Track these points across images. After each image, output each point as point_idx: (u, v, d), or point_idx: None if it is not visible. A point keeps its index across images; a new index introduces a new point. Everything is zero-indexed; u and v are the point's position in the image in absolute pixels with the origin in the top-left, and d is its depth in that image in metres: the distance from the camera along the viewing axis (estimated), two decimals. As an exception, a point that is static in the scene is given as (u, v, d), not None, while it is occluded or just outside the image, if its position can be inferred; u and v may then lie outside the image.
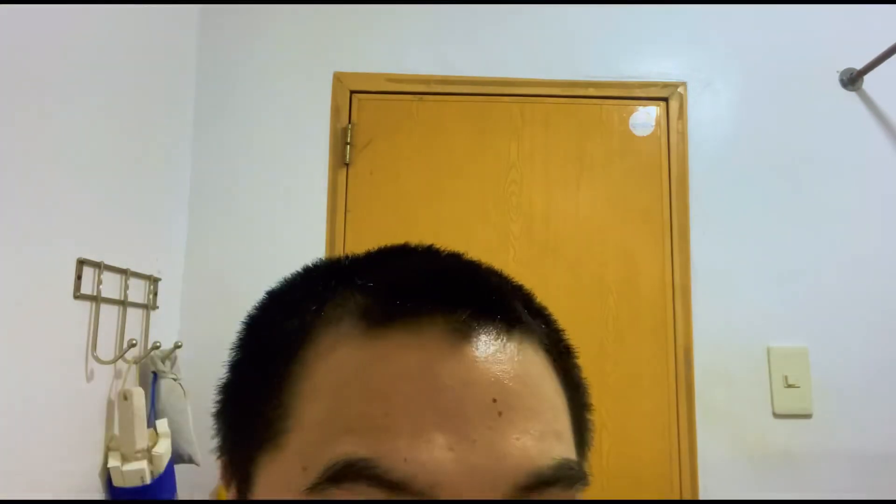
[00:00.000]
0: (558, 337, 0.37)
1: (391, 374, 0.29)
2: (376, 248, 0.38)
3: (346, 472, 0.27)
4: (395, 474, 0.27)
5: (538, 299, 0.38)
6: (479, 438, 0.28)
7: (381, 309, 0.31)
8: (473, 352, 0.30)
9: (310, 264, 0.38)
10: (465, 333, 0.30)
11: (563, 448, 0.31)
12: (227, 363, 0.36)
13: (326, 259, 0.38)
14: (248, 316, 0.37)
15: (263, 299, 0.38)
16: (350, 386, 0.29)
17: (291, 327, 0.33)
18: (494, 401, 0.29)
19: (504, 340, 0.32)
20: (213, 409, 0.36)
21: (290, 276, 0.38)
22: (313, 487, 0.28)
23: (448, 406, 0.28)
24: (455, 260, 0.38)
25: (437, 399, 0.29)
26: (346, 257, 0.38)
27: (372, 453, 0.27)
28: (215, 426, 0.35)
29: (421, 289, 0.32)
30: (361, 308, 0.32)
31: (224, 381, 0.36)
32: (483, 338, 0.31)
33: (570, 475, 0.30)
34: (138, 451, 1.24)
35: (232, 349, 0.36)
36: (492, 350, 0.31)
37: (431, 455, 0.27)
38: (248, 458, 0.32)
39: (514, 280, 0.38)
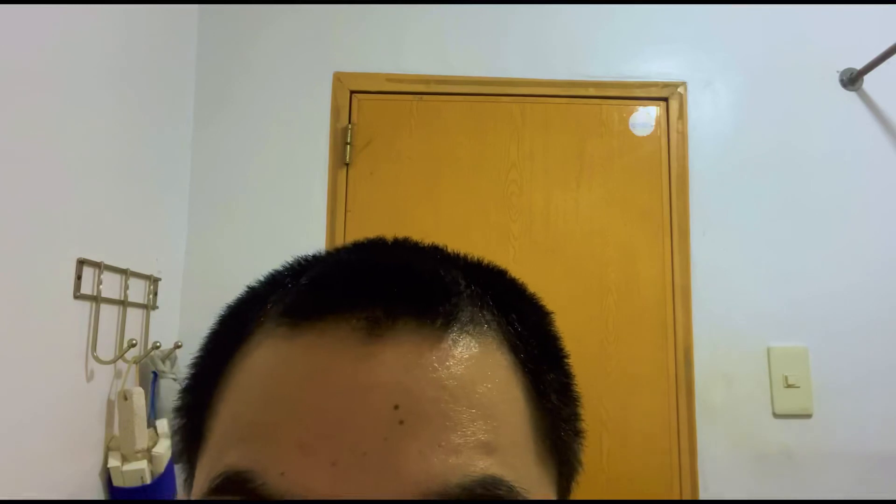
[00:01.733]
0: (539, 337, 0.32)
1: (293, 378, 0.27)
2: (351, 241, 0.36)
3: (227, 485, 0.26)
4: (269, 489, 0.25)
5: (531, 293, 0.35)
6: (371, 451, 0.25)
7: (296, 307, 0.29)
8: (380, 352, 0.27)
9: (287, 260, 0.36)
10: (374, 332, 0.27)
11: (490, 463, 0.26)
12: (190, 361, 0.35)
13: (301, 255, 0.36)
14: (219, 313, 0.36)
15: (238, 296, 0.36)
16: (254, 390, 0.28)
17: (238, 324, 0.32)
18: (396, 407, 0.25)
19: (427, 338, 0.27)
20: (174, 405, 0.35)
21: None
22: (203, 498, 0.26)
23: (340, 413, 0.25)
24: (399, 251, 0.34)
25: (329, 405, 0.25)
26: (312, 255, 0.36)
27: (253, 465, 0.25)
28: (174, 423, 0.34)
29: (338, 284, 0.29)
30: (283, 306, 0.30)
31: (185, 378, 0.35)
32: (397, 336, 0.27)
33: (495, 495, 0.25)
34: (138, 451, 1.24)
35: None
36: (405, 349, 0.27)
37: (309, 469, 0.25)
38: (191, 460, 0.31)
39: (488, 269, 0.34)
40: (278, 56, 1.79)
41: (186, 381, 0.34)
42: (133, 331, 1.38)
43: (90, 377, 1.23)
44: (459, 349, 0.28)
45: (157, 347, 1.41)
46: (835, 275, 1.71)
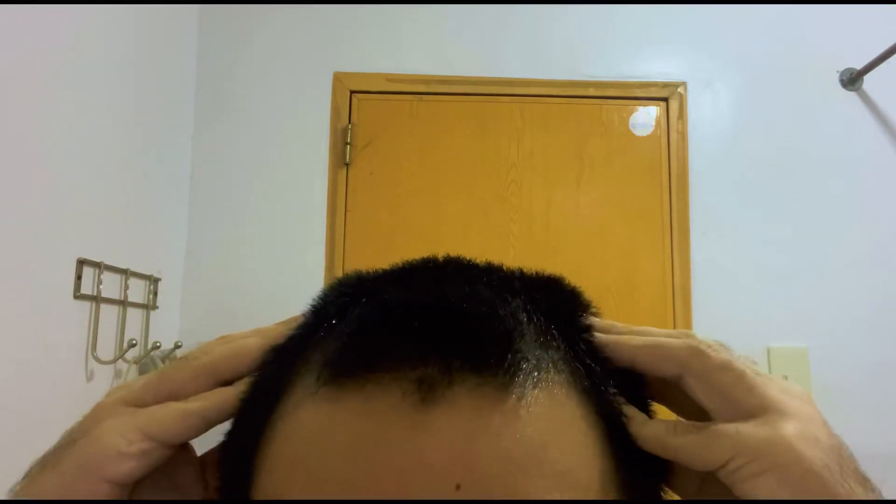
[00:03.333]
0: (611, 373, 0.28)
1: (338, 452, 0.24)
2: (400, 263, 0.32)
3: None
4: None
5: (592, 304, 0.31)
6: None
7: (339, 364, 0.25)
8: (436, 421, 0.23)
9: (334, 281, 0.32)
10: (428, 397, 0.24)
11: None
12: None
13: (349, 275, 0.32)
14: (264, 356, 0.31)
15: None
16: (297, 465, 0.25)
17: (281, 371, 0.29)
18: (458, 488, 0.22)
19: (489, 398, 0.24)
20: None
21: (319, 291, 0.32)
22: None
23: (394, 496, 0.23)
24: (451, 280, 0.30)
25: (382, 490, 0.23)
26: (358, 277, 0.31)
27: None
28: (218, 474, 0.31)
29: (385, 335, 0.26)
30: (324, 360, 0.26)
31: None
32: (454, 399, 0.24)
33: None
34: (138, 451, 1.24)
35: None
36: (465, 415, 0.23)
37: None
38: None
39: (547, 285, 0.31)
40: (278, 56, 1.79)
41: (228, 433, 0.30)
42: (133, 331, 1.38)
43: (90, 377, 1.23)
44: (526, 407, 0.24)
45: (157, 347, 1.41)
46: (835, 275, 1.71)
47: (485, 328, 0.26)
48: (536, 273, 0.32)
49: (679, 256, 1.71)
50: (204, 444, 0.32)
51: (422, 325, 0.25)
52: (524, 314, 0.28)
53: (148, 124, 1.50)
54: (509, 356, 0.25)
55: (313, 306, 0.31)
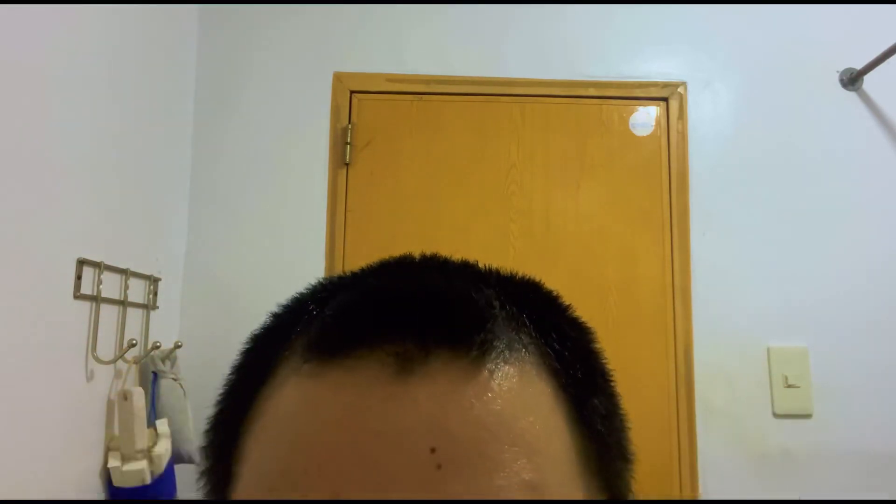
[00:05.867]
0: (581, 360, 0.30)
1: (321, 421, 0.25)
2: (377, 261, 0.34)
3: None
4: None
5: (569, 308, 0.33)
6: (409, 500, 0.24)
7: (321, 342, 0.27)
8: (413, 390, 0.25)
9: (313, 281, 0.34)
10: (405, 368, 0.25)
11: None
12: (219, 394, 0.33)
13: (326, 277, 0.34)
14: (243, 344, 0.34)
15: (263, 322, 0.34)
16: (282, 435, 0.26)
17: (262, 358, 0.30)
18: (433, 451, 0.24)
19: (462, 370, 0.26)
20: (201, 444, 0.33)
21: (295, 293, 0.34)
22: None
23: (373, 460, 0.24)
24: (427, 272, 0.32)
25: (361, 451, 0.24)
26: (338, 277, 0.34)
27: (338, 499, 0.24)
28: (202, 461, 0.33)
29: (365, 315, 0.27)
30: (307, 340, 0.28)
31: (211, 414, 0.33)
32: (430, 371, 0.25)
33: None
34: (138, 451, 1.24)
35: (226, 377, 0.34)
36: (440, 386, 0.25)
37: None
38: (221, 498, 0.30)
39: (522, 283, 0.33)
40: (278, 56, 1.79)
41: (212, 420, 0.32)
42: (133, 331, 1.38)
43: (90, 377, 1.23)
44: (497, 381, 0.26)
45: (157, 347, 1.41)
46: (835, 275, 1.71)
47: (460, 309, 0.28)
48: (512, 273, 0.33)
49: (679, 256, 1.71)
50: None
51: (400, 307, 0.27)
52: (497, 302, 0.29)
53: (148, 124, 1.50)
54: (482, 334, 0.27)
55: (293, 300, 0.33)
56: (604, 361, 0.32)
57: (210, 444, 0.32)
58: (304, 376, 0.27)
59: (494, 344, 0.27)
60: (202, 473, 0.32)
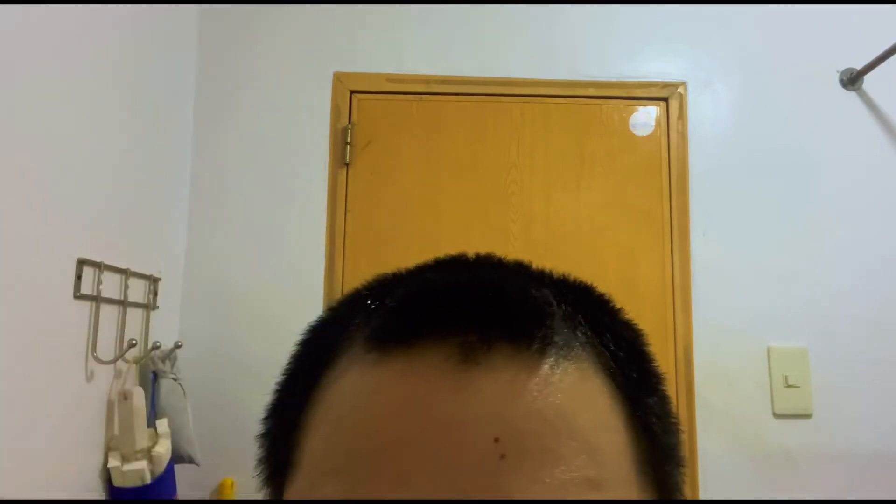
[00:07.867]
0: (635, 361, 0.30)
1: (385, 407, 0.26)
2: (432, 259, 0.34)
3: None
4: None
5: (622, 310, 0.33)
6: (472, 488, 0.23)
7: (385, 332, 0.28)
8: (477, 381, 0.25)
9: (369, 279, 0.34)
10: (469, 359, 0.26)
11: (597, 501, 0.25)
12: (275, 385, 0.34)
13: (381, 274, 0.34)
14: (300, 336, 0.34)
15: (319, 316, 0.34)
16: (346, 419, 0.27)
17: (321, 348, 0.31)
18: (497, 441, 0.24)
19: (524, 365, 0.26)
20: (258, 432, 0.33)
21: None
22: None
23: (438, 448, 0.24)
24: (485, 269, 0.33)
25: (427, 440, 0.24)
26: (392, 273, 0.34)
27: (349, 497, 0.24)
28: (258, 450, 0.33)
29: (428, 307, 0.28)
30: (370, 330, 0.28)
31: (268, 404, 0.33)
32: (493, 364, 0.26)
33: None
34: (138, 451, 1.24)
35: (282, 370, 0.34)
36: (502, 378, 0.25)
37: None
38: (276, 490, 0.30)
39: (575, 285, 0.33)
40: (278, 56, 1.79)
41: (269, 407, 0.33)
42: (133, 331, 1.38)
43: (90, 377, 1.23)
44: (558, 376, 0.26)
45: (157, 347, 1.41)
46: (835, 275, 1.71)
47: (520, 305, 0.28)
48: (565, 274, 0.34)
49: (679, 256, 1.71)
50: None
51: (462, 300, 0.28)
52: (554, 301, 0.29)
53: (148, 124, 1.50)
54: (542, 330, 0.27)
55: (350, 294, 0.33)
56: (656, 364, 0.32)
57: (268, 432, 0.32)
58: (367, 365, 0.27)
59: (554, 339, 0.27)
60: (259, 461, 0.32)
